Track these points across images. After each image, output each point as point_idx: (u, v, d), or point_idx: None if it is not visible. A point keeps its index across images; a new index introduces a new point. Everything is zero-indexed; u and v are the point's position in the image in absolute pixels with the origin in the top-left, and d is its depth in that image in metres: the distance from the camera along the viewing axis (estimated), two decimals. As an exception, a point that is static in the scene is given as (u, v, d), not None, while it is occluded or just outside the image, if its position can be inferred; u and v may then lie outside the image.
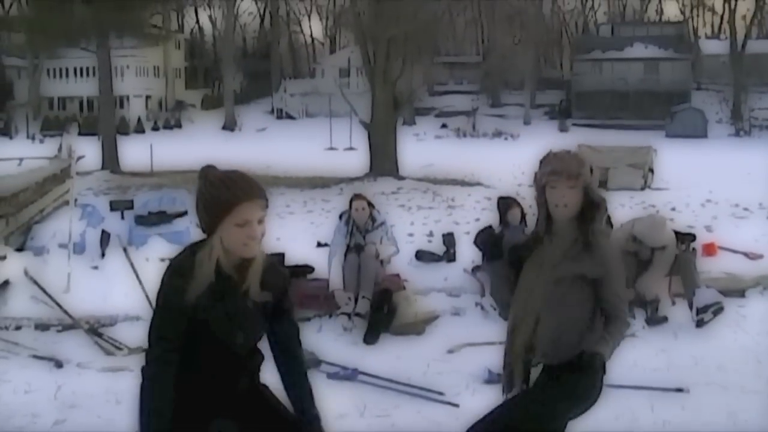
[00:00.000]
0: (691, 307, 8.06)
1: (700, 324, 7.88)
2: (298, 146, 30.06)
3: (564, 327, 3.68)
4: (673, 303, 8.44)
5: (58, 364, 7.11)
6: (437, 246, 10.43)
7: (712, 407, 6.08)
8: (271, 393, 3.52)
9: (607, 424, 5.76)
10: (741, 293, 8.74)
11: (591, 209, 3.62)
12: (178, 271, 3.26)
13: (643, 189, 18.76)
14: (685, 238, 9.02)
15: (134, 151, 25.52)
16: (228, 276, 3.27)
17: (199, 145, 30.98)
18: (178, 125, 60.11)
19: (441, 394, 5.90)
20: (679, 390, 6.38)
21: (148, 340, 3.30)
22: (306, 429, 3.44)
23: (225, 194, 3.22)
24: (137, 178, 19.92)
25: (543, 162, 3.66)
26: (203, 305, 3.23)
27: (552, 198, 3.61)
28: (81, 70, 58.44)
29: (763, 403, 6.16)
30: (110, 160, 23.87)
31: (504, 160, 23.85)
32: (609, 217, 9.00)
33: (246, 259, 3.28)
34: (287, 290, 3.51)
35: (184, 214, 9.55)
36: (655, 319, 8.09)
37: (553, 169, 3.57)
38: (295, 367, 3.53)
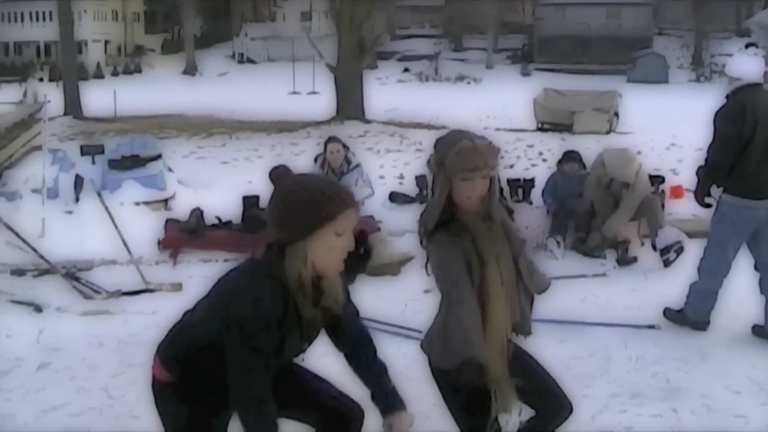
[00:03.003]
0: (654, 248, 8.25)
1: (666, 264, 8.07)
2: (260, 91, 29.86)
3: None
4: (642, 244, 8.64)
5: (38, 309, 7.13)
6: (408, 188, 10.54)
7: (683, 343, 6.27)
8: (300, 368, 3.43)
9: (582, 360, 5.94)
10: (707, 234, 8.93)
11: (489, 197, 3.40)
12: (264, 303, 2.88)
13: (608, 133, 18.93)
14: (653, 180, 9.21)
15: (95, 97, 25.20)
16: (307, 291, 2.98)
17: (160, 90, 30.71)
18: (138, 70, 59.26)
19: (419, 332, 6.01)
20: (651, 327, 6.57)
21: (250, 395, 2.95)
22: (391, 406, 3.31)
23: (331, 199, 2.91)
24: (101, 123, 19.71)
25: (455, 152, 3.31)
26: (286, 325, 2.97)
27: (464, 190, 3.34)
28: (38, 14, 57.31)
29: (730, 339, 6.36)
30: (73, 106, 23.55)
31: (467, 104, 23.95)
32: (582, 159, 9.19)
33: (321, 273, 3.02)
34: (349, 292, 3.32)
35: (157, 157, 9.53)
36: (626, 260, 8.28)
37: (474, 166, 3.29)
38: (367, 350, 3.37)
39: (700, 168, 6.42)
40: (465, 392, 3.51)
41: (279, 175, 2.99)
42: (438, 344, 3.56)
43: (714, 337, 6.38)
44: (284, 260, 2.93)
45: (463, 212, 3.40)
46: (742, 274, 7.84)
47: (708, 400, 5.31)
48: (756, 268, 6.41)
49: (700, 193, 6.40)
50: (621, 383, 5.59)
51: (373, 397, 3.36)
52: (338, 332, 3.34)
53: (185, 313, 3.30)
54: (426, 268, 3.52)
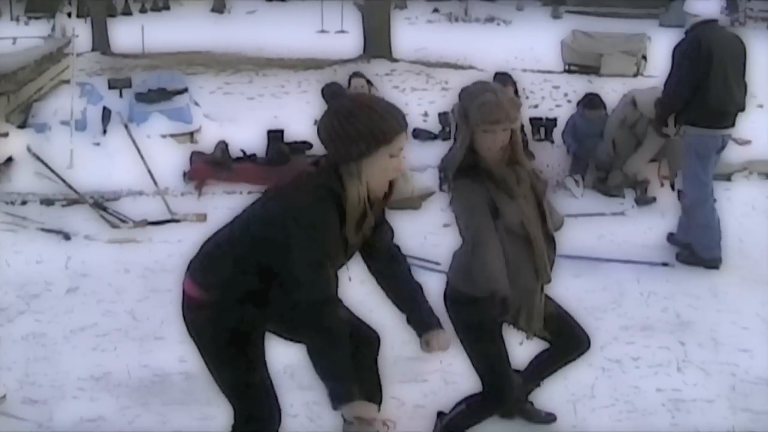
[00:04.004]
0: (673, 188, 8.32)
1: (684, 205, 8.12)
2: (289, 29, 29.62)
3: None
4: (662, 185, 8.68)
5: (66, 237, 7.33)
6: (432, 125, 10.61)
7: (695, 281, 6.39)
8: None
9: (595, 294, 6.06)
10: (728, 177, 8.96)
11: (514, 147, 3.58)
12: (326, 210, 2.95)
13: (635, 76, 18.72)
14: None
15: (123, 34, 25.22)
16: (359, 211, 3.05)
17: (188, 28, 30.59)
18: (166, 7, 58.73)
19: (437, 264, 6.17)
20: (665, 264, 6.68)
21: (317, 288, 2.97)
22: (428, 325, 3.35)
23: (388, 121, 2.96)
24: (129, 59, 19.75)
25: (477, 105, 3.46)
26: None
27: (485, 142, 3.50)
28: (66, -52, 57.10)
29: (742, 278, 6.46)
30: (101, 42, 23.51)
31: (496, 46, 23.66)
32: (603, 102, 9.21)
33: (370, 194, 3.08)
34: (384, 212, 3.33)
35: (183, 91, 9.63)
36: (644, 200, 8.35)
37: (496, 119, 3.44)
38: (401, 267, 3.45)
39: (658, 100, 7.02)
40: (478, 327, 3.67)
41: (334, 93, 3.02)
42: (461, 274, 3.71)
43: (726, 276, 6.48)
44: (341, 178, 2.98)
45: (486, 160, 3.53)
46: (756, 216, 7.95)
47: (715, 334, 5.44)
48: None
49: (657, 124, 7.17)
50: (631, 317, 5.73)
51: (409, 318, 3.40)
52: (373, 251, 3.38)
53: (220, 230, 3.29)
54: (451, 208, 3.65)
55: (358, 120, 2.94)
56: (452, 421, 3.88)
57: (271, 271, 3.11)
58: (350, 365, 2.98)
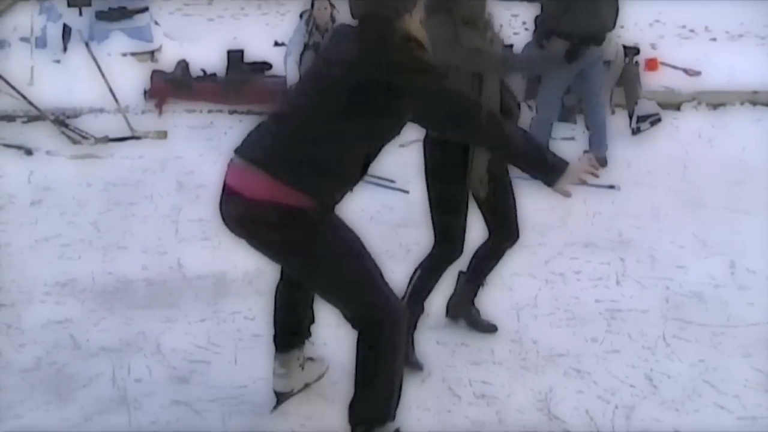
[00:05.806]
0: (631, 116, 8.52)
1: (636, 132, 8.36)
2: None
3: None
4: (613, 112, 8.87)
5: (28, 152, 7.43)
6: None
7: (639, 203, 6.65)
8: None
9: (542, 213, 6.27)
10: (677, 107, 9.18)
11: None
12: (419, 49, 3.11)
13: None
14: (629, 51, 9.40)
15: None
16: None
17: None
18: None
19: (392, 181, 6.37)
20: (611, 187, 6.92)
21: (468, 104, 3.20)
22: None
23: None
24: (86, -22, 19.48)
25: None
26: None
27: None
28: None
29: (683, 201, 6.74)
30: (57, -40, 23.23)
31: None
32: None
33: None
34: None
35: (144, 10, 9.61)
36: (594, 125, 8.58)
37: None
38: None
39: (537, 17, 7.36)
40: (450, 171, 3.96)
41: None
42: None
43: (668, 199, 6.75)
44: (404, 30, 3.09)
45: None
46: (701, 145, 8.23)
47: (654, 251, 5.72)
48: (582, 104, 7.63)
49: (537, 41, 7.41)
50: (576, 234, 6.00)
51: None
52: None
53: (283, 119, 3.18)
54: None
55: None
56: (415, 289, 4.11)
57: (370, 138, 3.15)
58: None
